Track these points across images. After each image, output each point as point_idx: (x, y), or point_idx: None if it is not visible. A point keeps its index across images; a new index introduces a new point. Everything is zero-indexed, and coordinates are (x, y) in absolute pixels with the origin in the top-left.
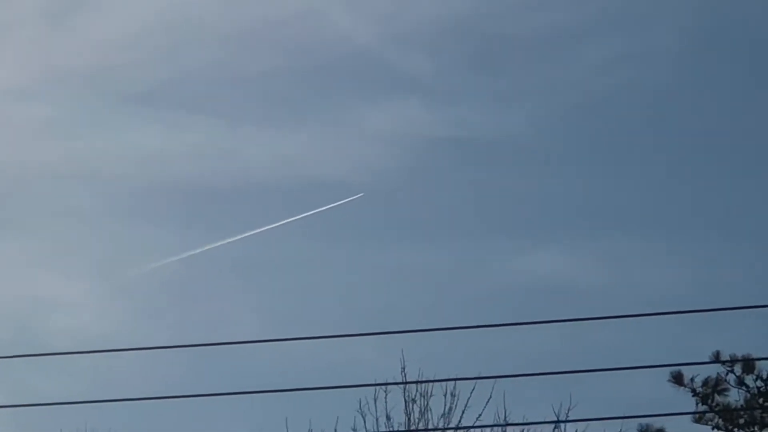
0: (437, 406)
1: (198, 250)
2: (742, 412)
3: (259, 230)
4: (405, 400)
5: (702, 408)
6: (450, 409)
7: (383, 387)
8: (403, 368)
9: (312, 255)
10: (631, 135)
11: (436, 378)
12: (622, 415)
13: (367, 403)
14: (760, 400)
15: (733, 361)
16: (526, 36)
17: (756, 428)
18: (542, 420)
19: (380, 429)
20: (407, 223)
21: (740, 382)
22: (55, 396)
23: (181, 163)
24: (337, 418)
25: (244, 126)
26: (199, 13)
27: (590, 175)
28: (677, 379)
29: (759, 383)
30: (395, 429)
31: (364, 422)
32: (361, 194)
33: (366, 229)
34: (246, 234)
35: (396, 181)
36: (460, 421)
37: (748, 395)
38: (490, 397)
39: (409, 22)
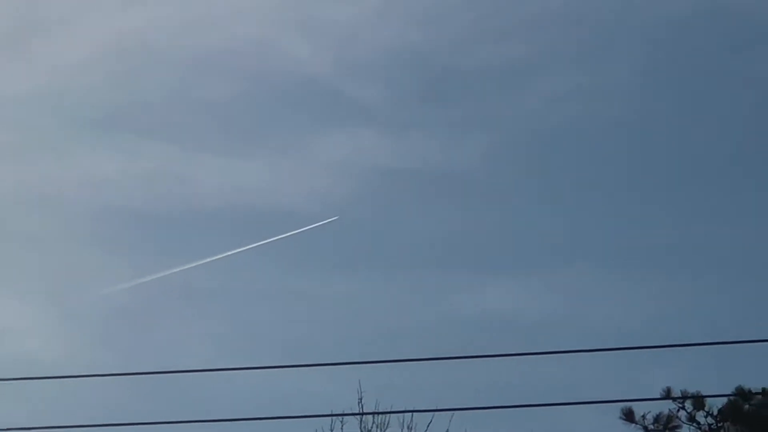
0: None
1: (150, 277)
2: None
3: (211, 258)
4: (361, 431)
5: None
6: None
7: (339, 417)
8: (360, 399)
9: (264, 284)
10: (582, 168)
11: (393, 409)
12: None
13: None
14: None
15: (684, 397)
16: (479, 68)
17: None
18: None
19: None
20: (360, 253)
21: (691, 419)
22: (3, 423)
23: (135, 189)
24: None
25: (198, 153)
26: (155, 39)
27: (542, 208)
28: (628, 415)
29: (710, 420)
30: None
31: None
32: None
33: (318, 259)
34: (199, 262)
35: (348, 211)
36: None
37: None
38: (447, 430)
39: (363, 52)
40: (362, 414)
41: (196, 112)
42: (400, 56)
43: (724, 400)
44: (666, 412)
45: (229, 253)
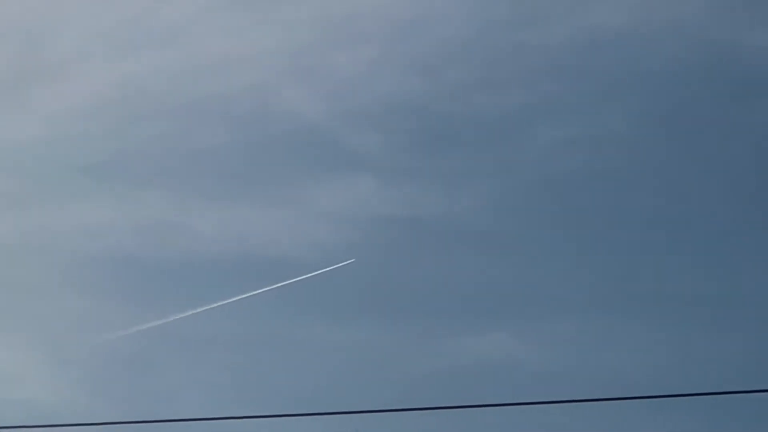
0: None
1: (148, 325)
2: None
3: (208, 306)
4: None
5: None
6: None
7: None
8: None
9: (262, 332)
10: (581, 218)
11: None
12: None
13: None
14: None
15: None
16: (478, 117)
17: None
18: None
19: None
20: (359, 301)
21: None
22: None
23: (132, 237)
24: None
25: (193, 200)
26: (150, 86)
27: (540, 258)
28: None
29: None
30: None
31: None
32: (334, 266)
33: (317, 308)
34: (196, 310)
35: (345, 260)
36: None
37: None
38: None
39: (360, 99)
40: None
41: (193, 159)
42: (398, 104)
43: None
44: None
45: (227, 301)
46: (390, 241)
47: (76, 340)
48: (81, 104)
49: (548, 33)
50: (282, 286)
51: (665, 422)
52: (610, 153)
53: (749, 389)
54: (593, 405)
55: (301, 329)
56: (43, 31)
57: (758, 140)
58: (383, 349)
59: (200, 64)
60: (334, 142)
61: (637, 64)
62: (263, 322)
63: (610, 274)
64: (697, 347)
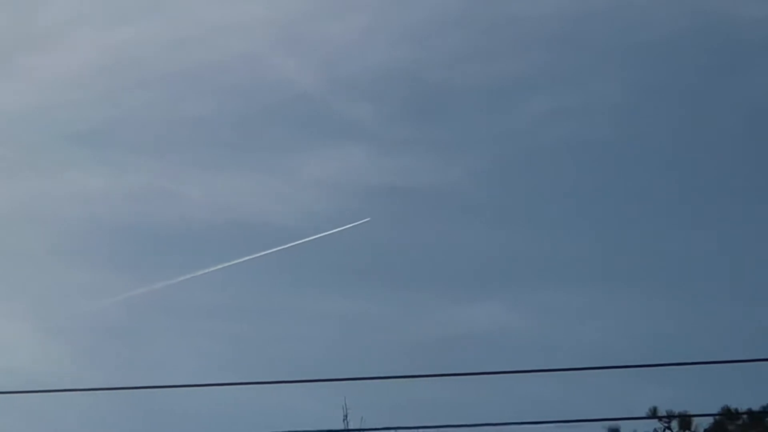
0: None
1: (138, 292)
2: None
3: (200, 273)
4: None
5: None
6: None
7: None
8: (345, 416)
9: (252, 300)
10: (574, 188)
11: (378, 427)
12: None
13: None
14: None
15: (670, 417)
16: (469, 86)
17: None
18: None
19: None
20: (348, 270)
21: None
22: None
23: (124, 204)
24: None
25: (185, 168)
26: (142, 54)
27: (531, 227)
28: None
29: None
30: None
31: None
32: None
33: (307, 276)
34: (186, 277)
35: (336, 227)
36: None
37: None
38: None
39: (352, 69)
40: (347, 431)
41: (184, 127)
42: (389, 73)
43: (711, 419)
44: (652, 431)
45: (218, 267)
46: (382, 211)
47: (67, 307)
48: (72, 72)
49: (541, 3)
50: (273, 252)
51: (657, 390)
52: (602, 123)
53: (741, 358)
54: (585, 373)
55: (293, 297)
56: (35, 0)
57: (749, 109)
58: (376, 318)
59: (192, 32)
60: (326, 111)
61: (630, 34)
62: (254, 289)
63: (603, 244)
64: (689, 317)
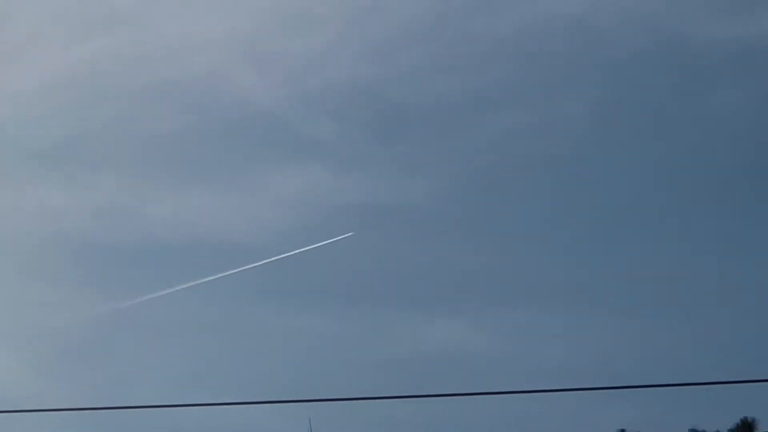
0: None
1: (103, 310)
2: None
3: (164, 292)
4: None
5: None
6: None
7: None
8: None
9: (218, 319)
10: (535, 206)
11: None
12: None
13: None
14: None
15: None
16: (431, 103)
17: None
18: None
19: None
20: (311, 289)
21: None
22: None
23: (85, 221)
24: None
25: (148, 185)
26: (105, 70)
27: (492, 246)
28: None
29: None
30: None
31: None
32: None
33: (273, 294)
34: (151, 295)
35: (299, 247)
36: None
37: None
38: None
39: (315, 86)
40: None
41: (147, 144)
42: (351, 91)
43: None
44: None
45: (182, 287)
46: (345, 229)
47: (31, 324)
48: (35, 88)
49: (504, 20)
50: (238, 272)
51: (623, 411)
52: (563, 140)
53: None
54: (551, 393)
55: (258, 315)
56: None
57: (711, 127)
58: (339, 337)
59: (155, 49)
60: (288, 128)
61: (592, 53)
62: (219, 307)
63: (567, 263)
64: (651, 338)
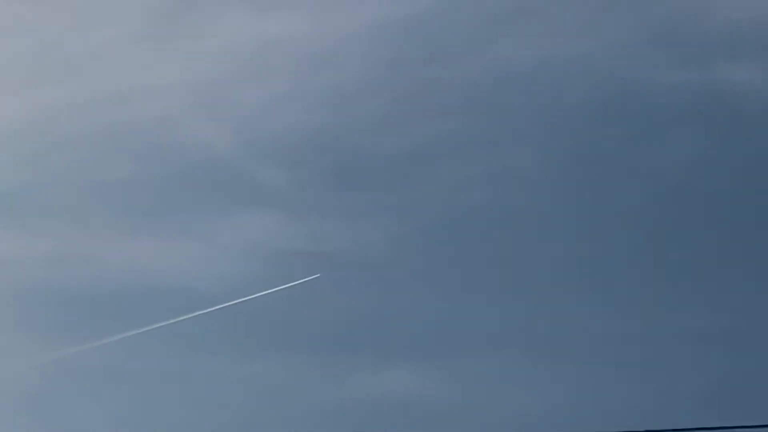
0: None
1: (50, 357)
2: None
3: (115, 338)
4: None
5: None
6: None
7: None
8: None
9: (168, 365)
10: (485, 256)
11: None
12: None
13: None
14: None
15: None
16: (384, 152)
17: None
18: None
19: None
20: (262, 335)
21: None
22: None
23: (36, 268)
24: None
25: (100, 232)
26: (58, 117)
27: (446, 295)
28: None
29: None
30: None
31: None
32: (222, 306)
33: (220, 341)
34: (101, 341)
35: (249, 294)
36: None
37: None
38: None
39: (268, 133)
40: None
41: (100, 191)
42: (306, 139)
43: None
44: None
45: (133, 332)
46: (295, 276)
47: None
48: None
49: (456, 69)
50: (189, 318)
51: None
52: (515, 190)
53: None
54: None
55: (208, 362)
56: None
57: (664, 177)
58: (286, 385)
59: (108, 96)
60: (241, 175)
61: (545, 101)
62: (170, 354)
63: (512, 312)
64: (598, 388)
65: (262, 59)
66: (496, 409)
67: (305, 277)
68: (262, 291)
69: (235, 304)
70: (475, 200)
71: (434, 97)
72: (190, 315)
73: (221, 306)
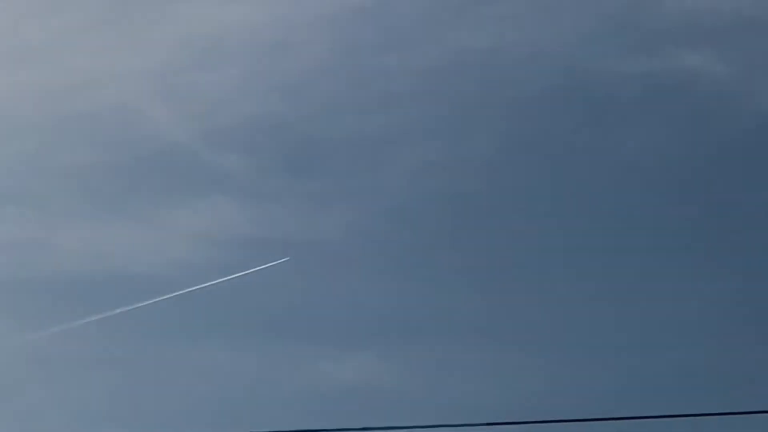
0: None
1: (7, 344)
2: None
3: (72, 324)
4: None
5: None
6: None
7: None
8: None
9: (127, 352)
10: (443, 243)
11: None
12: None
13: None
14: None
15: None
16: (341, 139)
17: None
18: None
19: None
20: (219, 322)
21: None
22: None
23: None
24: None
25: (57, 219)
26: (15, 104)
27: (402, 281)
28: None
29: None
30: None
31: None
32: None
33: (178, 328)
34: (59, 328)
35: (209, 280)
36: None
37: None
38: None
39: (225, 120)
40: None
41: (57, 178)
42: (263, 125)
43: None
44: None
45: (92, 319)
46: (252, 263)
47: None
48: None
49: (412, 56)
50: (148, 304)
51: None
52: (472, 177)
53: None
54: (455, 429)
55: (168, 349)
56: None
57: (620, 165)
58: (249, 372)
59: (65, 83)
60: (198, 162)
61: (502, 88)
62: (127, 341)
63: (474, 298)
64: (562, 374)
65: (219, 47)
66: (459, 396)
67: (261, 265)
68: (224, 277)
69: (195, 290)
70: (431, 187)
71: (391, 84)
72: (149, 301)
73: (181, 292)
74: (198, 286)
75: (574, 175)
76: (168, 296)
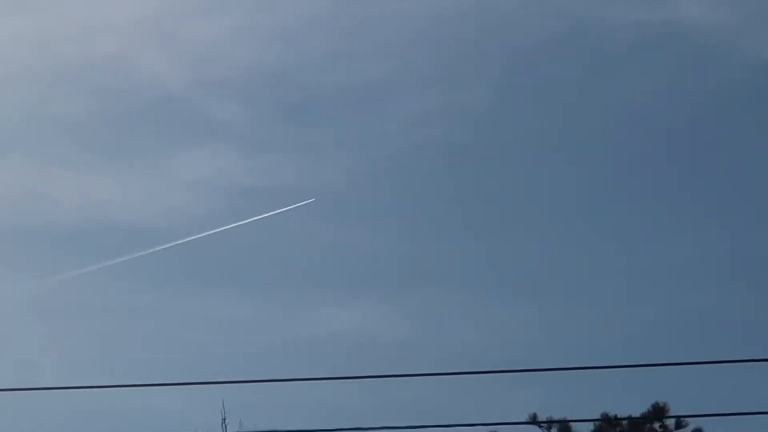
0: None
1: (3, 293)
2: None
3: (69, 274)
4: None
5: None
6: None
7: None
8: (224, 419)
9: (125, 302)
10: (443, 190)
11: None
12: None
13: None
14: None
15: (550, 422)
16: (339, 88)
17: None
18: None
19: None
20: (218, 272)
21: None
22: None
23: None
24: None
25: (53, 168)
26: (11, 53)
27: (401, 230)
28: None
29: None
30: None
31: None
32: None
33: (178, 277)
34: (56, 277)
35: (207, 230)
36: None
37: None
38: None
39: (223, 69)
40: None
41: (54, 128)
42: (259, 74)
43: (591, 425)
44: None
45: (89, 269)
46: (251, 211)
47: None
48: None
49: (410, 4)
50: (146, 255)
51: (528, 396)
52: (470, 126)
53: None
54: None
55: (166, 299)
56: None
57: (618, 112)
58: (250, 319)
59: (61, 32)
60: (196, 111)
61: (498, 37)
62: (125, 290)
63: (476, 247)
64: (562, 322)
65: None
66: (457, 343)
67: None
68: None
69: (194, 240)
70: (429, 135)
71: (388, 32)
72: (148, 251)
73: (178, 242)
74: (198, 236)
75: (572, 121)
76: (165, 246)
